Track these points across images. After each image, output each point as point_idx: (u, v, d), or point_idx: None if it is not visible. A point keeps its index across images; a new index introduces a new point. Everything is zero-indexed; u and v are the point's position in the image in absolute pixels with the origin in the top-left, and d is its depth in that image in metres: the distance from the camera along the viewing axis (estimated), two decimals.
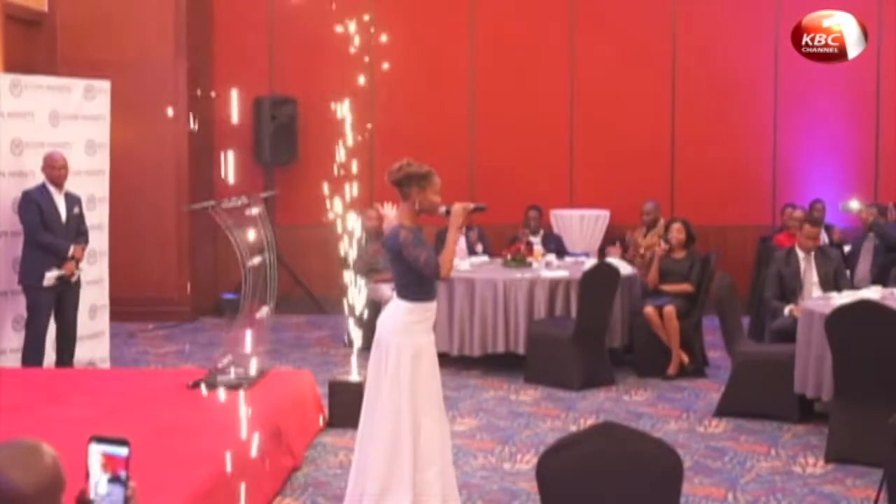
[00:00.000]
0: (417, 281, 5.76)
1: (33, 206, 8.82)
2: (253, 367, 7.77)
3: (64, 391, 7.55)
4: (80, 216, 9.12)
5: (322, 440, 7.74)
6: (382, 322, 5.89)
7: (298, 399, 7.71)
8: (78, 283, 9.15)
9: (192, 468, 5.67)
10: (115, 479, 2.68)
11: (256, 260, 7.85)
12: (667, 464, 3.82)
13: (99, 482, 2.68)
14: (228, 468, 5.62)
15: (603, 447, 3.83)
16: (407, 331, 5.78)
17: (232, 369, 7.72)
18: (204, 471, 5.53)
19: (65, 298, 9.04)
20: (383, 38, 11.97)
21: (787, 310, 9.00)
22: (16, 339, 9.15)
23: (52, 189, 8.91)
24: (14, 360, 9.05)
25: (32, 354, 8.92)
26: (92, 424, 6.58)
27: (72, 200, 9.05)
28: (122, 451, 2.70)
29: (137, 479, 5.59)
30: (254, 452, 6.08)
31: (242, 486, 5.69)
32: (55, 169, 8.90)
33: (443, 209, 5.87)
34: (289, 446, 7.01)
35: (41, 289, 8.86)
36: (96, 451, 2.70)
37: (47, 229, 8.83)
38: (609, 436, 3.87)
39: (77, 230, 9.07)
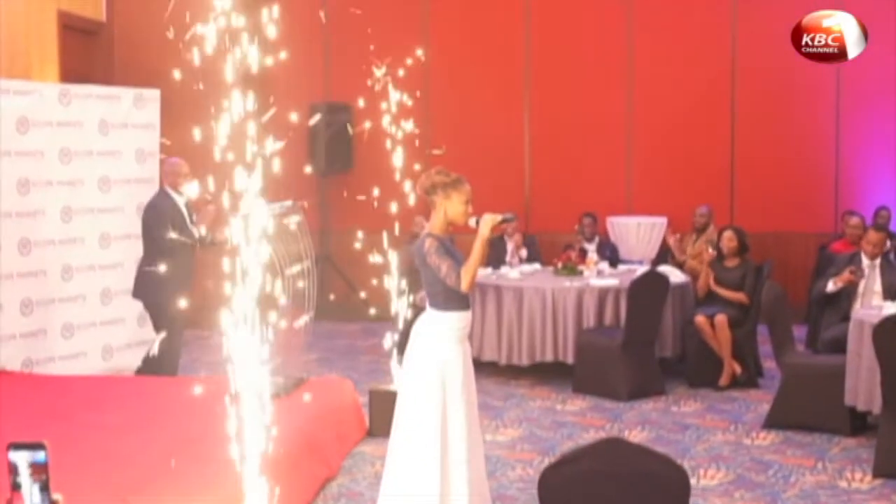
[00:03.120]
0: (446, 290, 5.70)
1: (165, 216, 8.35)
2: (292, 376, 7.75)
3: (104, 398, 7.60)
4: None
5: (361, 449, 7.70)
6: (415, 330, 5.86)
7: (337, 408, 7.67)
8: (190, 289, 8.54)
9: (213, 476, 5.65)
10: (36, 484, 2.66)
11: (296, 268, 7.82)
12: (672, 481, 3.71)
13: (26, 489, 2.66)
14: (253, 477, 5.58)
15: (606, 463, 3.73)
16: (437, 340, 5.74)
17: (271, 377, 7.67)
18: (225, 479, 5.49)
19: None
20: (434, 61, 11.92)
21: (831, 283, 8.94)
22: (65, 347, 9.24)
23: (174, 195, 8.50)
24: (62, 368, 9.11)
25: (167, 366, 8.50)
26: (124, 432, 6.66)
27: (188, 205, 8.61)
28: (40, 457, 2.67)
29: (163, 484, 5.61)
30: (282, 462, 6.03)
31: (267, 495, 5.64)
32: (180, 176, 8.46)
33: (473, 220, 5.76)
34: (323, 456, 6.98)
35: (172, 299, 7.94)
36: (18, 459, 2.68)
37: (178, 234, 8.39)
38: (613, 451, 3.76)
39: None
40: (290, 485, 6.16)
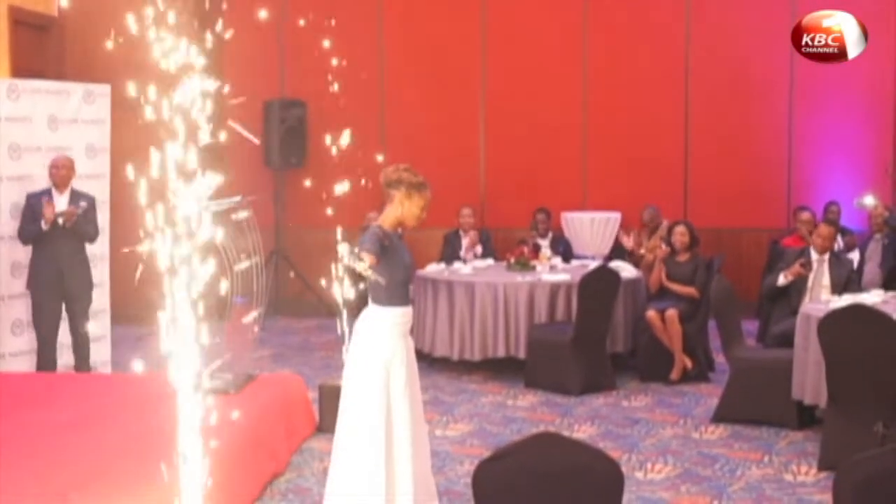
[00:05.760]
0: (388, 286, 5.68)
1: (27, 207, 8.92)
2: (241, 373, 7.74)
3: (49, 395, 7.54)
4: (83, 215, 8.94)
5: (310, 445, 7.69)
6: (357, 326, 5.85)
7: (285, 404, 7.66)
8: (85, 284, 9.13)
9: (155, 472, 5.62)
10: None
11: (244, 264, 7.80)
12: (605, 475, 3.73)
13: None
14: (198, 473, 5.55)
15: (540, 458, 3.74)
16: (380, 335, 5.73)
17: (220, 374, 7.64)
18: (167, 476, 5.46)
19: (71, 301, 9.02)
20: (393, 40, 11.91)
21: (781, 276, 9.03)
22: (15, 344, 9.17)
23: (53, 190, 8.97)
24: (12, 365, 9.06)
25: (40, 358, 8.97)
26: (68, 429, 6.60)
27: (76, 200, 8.97)
28: None
29: (105, 482, 5.58)
30: (227, 457, 6.02)
31: (211, 492, 5.62)
32: (52, 168, 8.98)
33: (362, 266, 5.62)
34: (271, 451, 6.97)
35: (39, 290, 8.92)
36: None
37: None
38: (546, 446, 3.77)
39: (75, 228, 8.89)
40: (236, 480, 6.15)
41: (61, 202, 8.93)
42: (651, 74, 13.23)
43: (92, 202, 9.10)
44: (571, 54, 13.36)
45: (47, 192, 8.96)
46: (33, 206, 8.86)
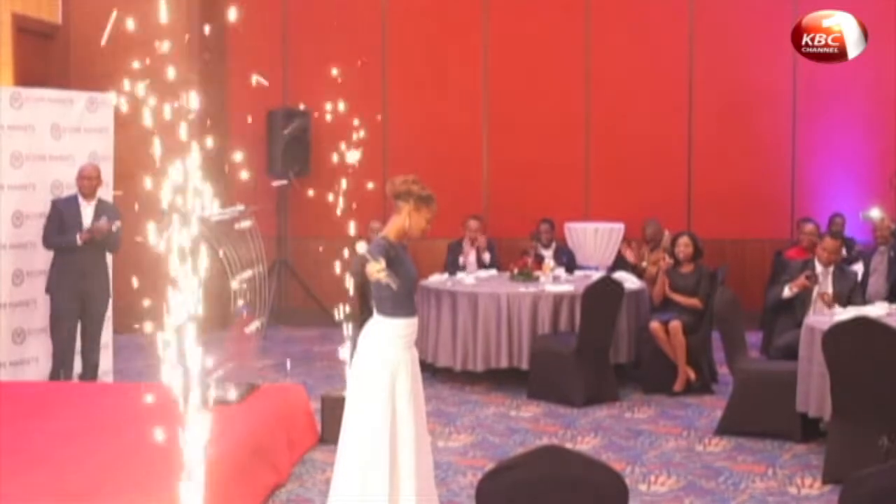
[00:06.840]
0: (393, 296, 5.66)
1: (54, 213, 8.92)
2: (244, 383, 7.72)
3: (52, 404, 7.52)
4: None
5: (312, 456, 7.66)
6: (362, 337, 5.82)
7: (287, 415, 7.63)
8: (104, 291, 9.16)
9: (156, 483, 5.61)
10: None
11: (247, 273, 7.78)
12: (609, 488, 3.70)
13: None
14: (201, 484, 5.53)
15: (545, 471, 3.72)
16: (384, 346, 5.69)
17: (222, 384, 7.62)
18: (167, 486, 5.45)
19: (89, 307, 9.00)
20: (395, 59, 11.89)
21: (786, 289, 9.00)
22: (15, 352, 9.14)
23: (80, 199, 8.96)
24: (12, 374, 9.03)
25: (57, 365, 8.91)
26: (71, 438, 6.58)
27: (102, 210, 8.98)
28: None
29: (106, 491, 5.56)
30: (228, 468, 6.00)
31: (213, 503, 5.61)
32: (81, 178, 8.95)
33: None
34: (273, 462, 6.94)
35: (61, 296, 8.88)
36: None
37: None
38: (552, 459, 3.75)
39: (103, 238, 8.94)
40: (237, 491, 6.13)
41: (88, 212, 8.94)
42: (654, 85, 13.21)
43: (116, 212, 9.07)
44: (574, 65, 13.33)
45: (74, 200, 8.95)
46: (61, 213, 8.88)
